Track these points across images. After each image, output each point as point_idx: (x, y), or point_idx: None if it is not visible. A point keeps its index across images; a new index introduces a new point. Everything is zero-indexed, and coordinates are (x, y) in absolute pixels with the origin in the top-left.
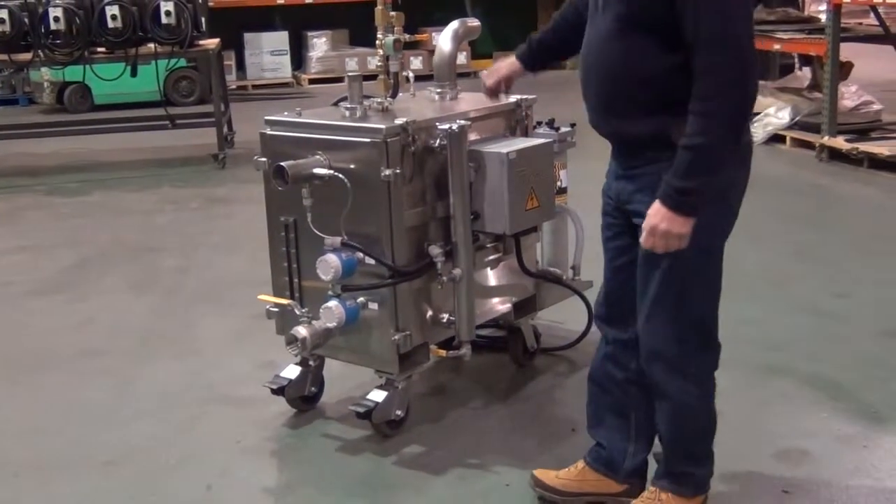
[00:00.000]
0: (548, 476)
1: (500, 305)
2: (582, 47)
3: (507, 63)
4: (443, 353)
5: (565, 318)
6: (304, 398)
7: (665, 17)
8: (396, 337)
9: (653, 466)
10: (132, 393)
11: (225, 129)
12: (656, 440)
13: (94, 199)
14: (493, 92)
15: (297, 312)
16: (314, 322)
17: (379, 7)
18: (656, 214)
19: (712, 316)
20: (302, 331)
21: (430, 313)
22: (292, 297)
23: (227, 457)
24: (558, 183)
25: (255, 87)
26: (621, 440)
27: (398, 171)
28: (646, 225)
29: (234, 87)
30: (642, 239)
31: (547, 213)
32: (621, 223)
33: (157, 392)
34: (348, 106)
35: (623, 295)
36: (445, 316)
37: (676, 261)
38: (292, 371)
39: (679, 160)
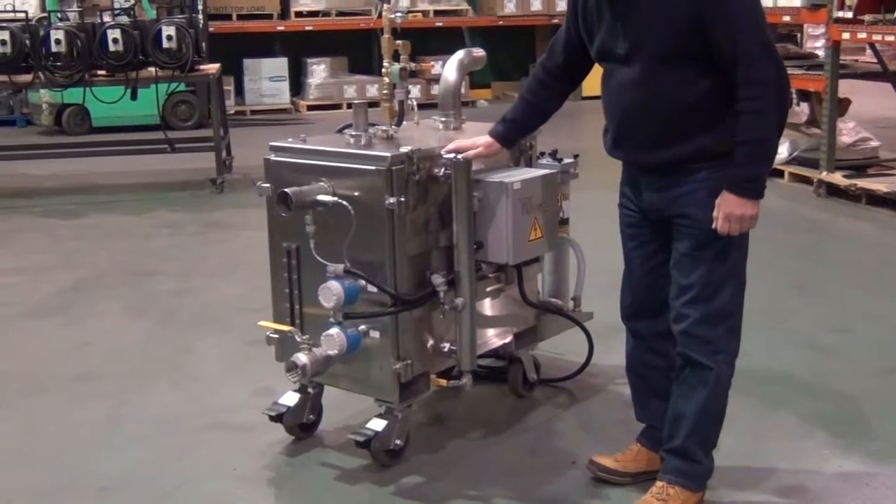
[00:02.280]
0: (606, 460)
1: (500, 335)
2: (607, 96)
3: (486, 143)
4: (443, 382)
5: (566, 349)
6: (302, 426)
7: (699, 46)
8: (397, 366)
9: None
10: (128, 418)
11: (223, 154)
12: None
13: (91, 221)
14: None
15: (298, 339)
16: (315, 349)
17: (386, 35)
18: (728, 204)
19: (740, 307)
20: (302, 358)
21: (431, 342)
22: (293, 324)
23: (223, 485)
24: (560, 214)
25: (253, 112)
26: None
27: (402, 199)
28: (721, 214)
29: (232, 112)
30: (718, 225)
31: (549, 244)
32: (646, 231)
33: (152, 417)
34: (353, 133)
35: (655, 292)
36: (447, 345)
37: (718, 259)
38: (291, 398)
39: (740, 155)
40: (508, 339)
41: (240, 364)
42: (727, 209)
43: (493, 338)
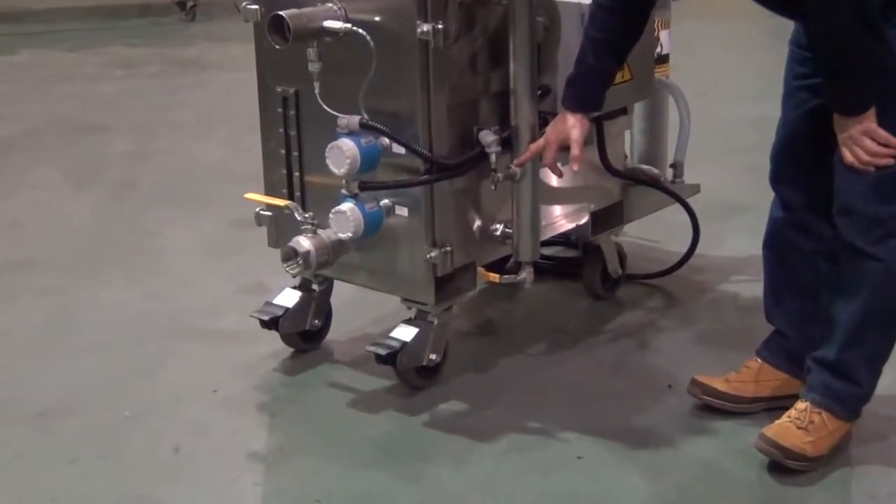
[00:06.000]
0: (714, 381)
1: (573, 216)
2: None
3: (570, 126)
4: (495, 277)
5: (662, 235)
6: (304, 334)
7: None
8: (432, 254)
9: None
10: (74, 322)
11: None
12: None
13: (21, 59)
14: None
15: (299, 218)
16: (321, 231)
17: None
18: (837, 125)
19: None
20: (304, 243)
21: (478, 223)
22: (291, 197)
23: (200, 410)
24: (657, 48)
25: None
26: (805, 326)
27: (440, 26)
28: (840, 143)
29: None
30: (846, 158)
31: (641, 90)
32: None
33: (106, 321)
34: None
35: (803, 147)
36: (500, 227)
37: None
38: (289, 297)
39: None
40: (584, 220)
41: (220, 251)
42: (840, 133)
43: (563, 218)
